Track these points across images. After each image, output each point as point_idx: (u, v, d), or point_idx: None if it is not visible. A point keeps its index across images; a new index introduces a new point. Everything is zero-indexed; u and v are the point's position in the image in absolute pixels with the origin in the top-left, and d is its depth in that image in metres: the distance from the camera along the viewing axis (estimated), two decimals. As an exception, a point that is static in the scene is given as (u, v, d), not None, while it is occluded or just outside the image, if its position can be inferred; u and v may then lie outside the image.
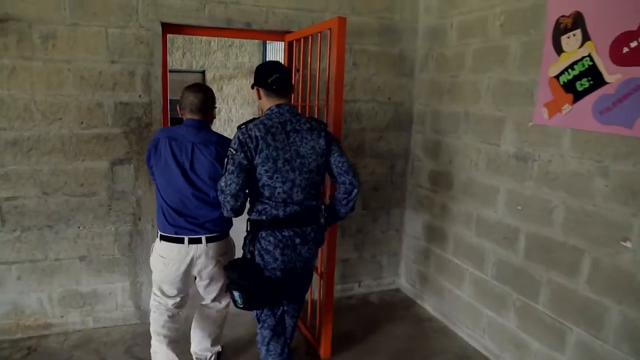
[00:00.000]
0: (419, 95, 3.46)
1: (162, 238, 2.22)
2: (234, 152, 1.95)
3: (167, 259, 2.22)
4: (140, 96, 2.84)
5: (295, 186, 2.00)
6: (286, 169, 1.97)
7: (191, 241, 2.18)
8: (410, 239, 3.66)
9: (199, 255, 2.21)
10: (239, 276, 2.00)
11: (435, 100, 3.27)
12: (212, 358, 2.64)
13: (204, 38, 8.04)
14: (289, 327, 2.36)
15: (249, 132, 1.95)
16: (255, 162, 1.95)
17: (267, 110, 2.06)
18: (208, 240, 2.21)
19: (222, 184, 1.97)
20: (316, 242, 2.14)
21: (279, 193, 1.99)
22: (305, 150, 2.00)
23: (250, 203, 2.07)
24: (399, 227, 3.71)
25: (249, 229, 2.08)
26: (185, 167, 2.16)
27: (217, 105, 2.63)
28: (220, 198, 2.01)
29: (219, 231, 2.24)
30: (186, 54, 8.04)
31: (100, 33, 2.71)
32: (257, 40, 8.37)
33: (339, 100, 2.38)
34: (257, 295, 2.03)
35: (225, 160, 1.99)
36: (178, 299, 2.31)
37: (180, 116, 2.34)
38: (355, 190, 2.10)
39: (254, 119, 2.03)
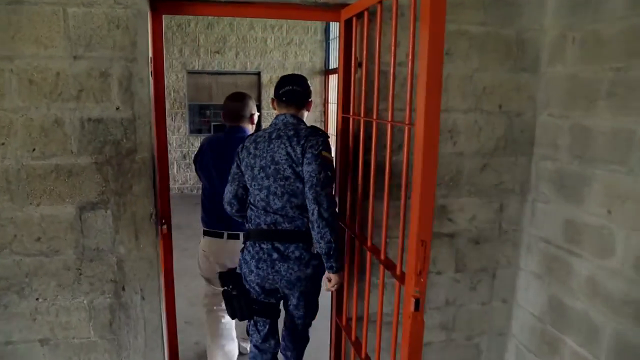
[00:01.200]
0: (549, 100, 2.23)
1: (204, 233, 2.52)
2: (233, 162, 2.07)
3: (207, 252, 2.48)
4: (118, 109, 1.88)
5: (270, 193, 1.95)
6: (261, 175, 1.96)
7: (230, 236, 2.42)
8: (525, 315, 2.43)
9: (235, 251, 2.30)
10: (221, 283, 2.11)
11: (580, 108, 2.04)
12: None
13: (259, 35, 7.17)
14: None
15: (245, 142, 2.03)
16: (242, 170, 2.02)
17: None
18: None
19: (225, 192, 2.10)
20: (301, 264, 1.96)
21: (258, 200, 1.99)
22: (280, 157, 1.92)
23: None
24: (508, 297, 2.49)
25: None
26: (221, 169, 2.29)
27: (254, 112, 2.59)
28: None
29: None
30: (240, 54, 7.20)
31: (56, 15, 1.77)
32: (319, 37, 7.38)
33: (434, 112, 1.25)
34: (233, 305, 2.06)
35: None
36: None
37: (224, 123, 2.62)
38: (315, 209, 1.84)
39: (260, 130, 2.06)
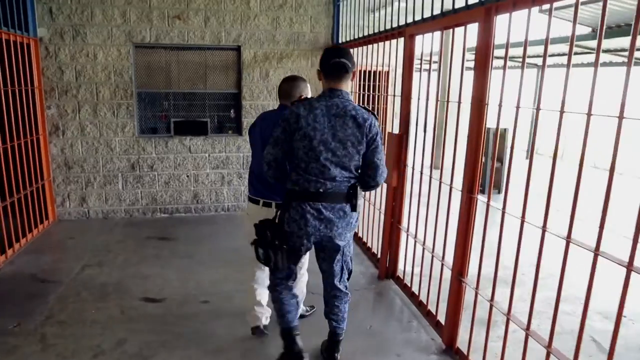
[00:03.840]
0: None
1: (248, 199, 2.74)
2: (277, 127, 2.23)
3: (250, 215, 2.68)
4: None
5: (327, 165, 2.17)
6: (320, 149, 2.16)
7: (264, 204, 2.60)
8: None
9: (267, 216, 2.46)
10: (257, 235, 2.33)
11: None
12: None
13: (239, -7, 5.00)
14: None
15: (295, 109, 2.19)
16: (294, 137, 2.18)
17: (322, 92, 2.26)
18: (277, 206, 2.50)
19: (264, 153, 2.27)
20: (344, 220, 2.25)
21: (312, 168, 2.18)
22: (343, 136, 2.16)
23: (289, 173, 2.28)
24: None
25: (284, 197, 2.29)
26: (265, 143, 2.38)
27: (304, 93, 2.62)
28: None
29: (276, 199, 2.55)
30: (211, 20, 5.03)
31: None
32: (323, -2, 5.24)
33: None
34: (270, 254, 2.29)
35: None
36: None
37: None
38: (375, 182, 2.27)
39: (306, 98, 2.34)
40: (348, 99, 2.20)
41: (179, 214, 5.38)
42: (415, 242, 3.35)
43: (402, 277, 3.62)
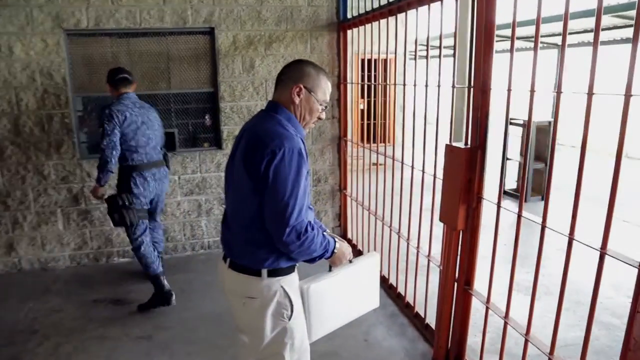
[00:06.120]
0: None
1: None
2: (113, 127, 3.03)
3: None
4: None
5: (149, 143, 3.13)
6: (142, 130, 3.08)
7: (224, 258, 1.69)
8: None
9: (223, 280, 1.70)
10: (109, 206, 3.10)
11: None
12: None
13: (207, -47, 3.63)
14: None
15: (116, 111, 3.00)
16: (122, 128, 3.02)
17: (119, 96, 3.11)
18: (230, 265, 1.61)
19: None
20: (167, 178, 3.33)
21: (142, 146, 3.09)
22: (153, 121, 3.18)
23: (123, 155, 3.08)
24: None
25: (122, 173, 3.16)
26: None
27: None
28: None
29: (244, 262, 1.55)
30: (170, -6, 3.67)
31: None
32: (322, -40, 3.89)
33: None
34: (124, 214, 3.06)
35: None
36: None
37: None
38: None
39: (112, 103, 3.07)
40: (138, 99, 3.18)
41: (143, 257, 4.04)
42: (505, 323, 2.06)
43: (474, 366, 2.34)
